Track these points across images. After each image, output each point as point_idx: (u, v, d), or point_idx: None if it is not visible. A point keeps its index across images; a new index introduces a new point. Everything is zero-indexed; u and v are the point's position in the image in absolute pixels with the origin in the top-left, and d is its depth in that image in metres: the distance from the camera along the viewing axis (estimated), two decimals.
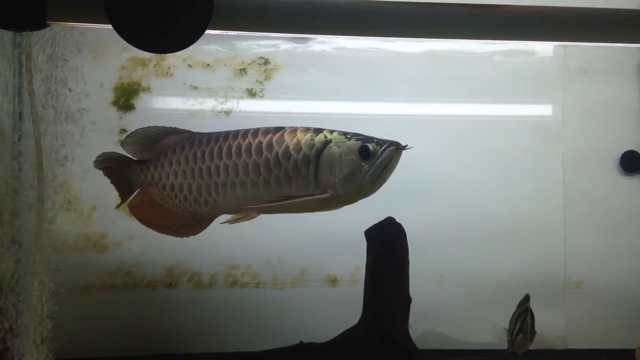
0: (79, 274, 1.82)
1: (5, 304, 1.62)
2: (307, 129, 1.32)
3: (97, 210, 1.84)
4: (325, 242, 1.91)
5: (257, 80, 1.92)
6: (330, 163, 1.28)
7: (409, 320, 1.53)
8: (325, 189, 1.29)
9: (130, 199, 1.45)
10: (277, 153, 1.29)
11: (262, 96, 1.92)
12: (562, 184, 1.98)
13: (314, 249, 1.91)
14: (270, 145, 1.30)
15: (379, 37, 1.16)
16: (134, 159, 1.44)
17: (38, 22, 1.10)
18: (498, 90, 1.99)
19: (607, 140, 2.00)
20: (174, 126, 1.43)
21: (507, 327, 1.69)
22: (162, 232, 1.43)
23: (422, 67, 1.95)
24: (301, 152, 1.29)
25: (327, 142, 1.30)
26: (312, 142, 1.30)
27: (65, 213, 1.79)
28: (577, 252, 1.96)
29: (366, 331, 1.47)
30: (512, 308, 1.89)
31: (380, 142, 1.28)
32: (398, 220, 1.51)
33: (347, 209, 1.83)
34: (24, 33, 1.51)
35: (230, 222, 1.36)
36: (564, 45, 1.95)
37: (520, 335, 1.63)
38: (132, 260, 1.85)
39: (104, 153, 1.45)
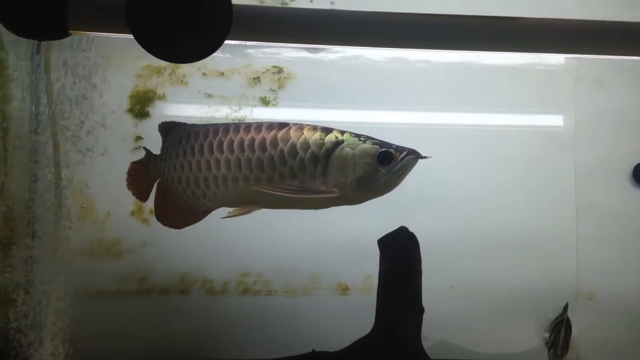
0: (93, 280, 1.83)
1: (20, 309, 1.64)
2: (314, 127, 1.32)
3: (111, 217, 1.85)
4: (337, 250, 1.91)
5: (271, 89, 1.93)
6: (342, 164, 1.28)
7: (421, 330, 1.53)
8: (334, 188, 1.29)
9: (147, 194, 1.48)
10: (282, 150, 1.29)
11: (275, 104, 1.93)
12: (574, 195, 1.98)
13: (326, 257, 1.91)
14: (274, 142, 1.29)
15: (397, 49, 1.16)
16: (153, 152, 1.46)
17: (60, 31, 1.11)
18: (510, 100, 1.99)
19: (619, 151, 1.99)
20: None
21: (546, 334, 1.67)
22: (164, 225, 1.44)
23: (435, 77, 1.96)
24: (309, 151, 1.28)
25: (338, 143, 1.29)
26: (322, 141, 1.29)
27: (80, 219, 1.80)
28: (589, 264, 1.96)
29: (379, 340, 1.47)
30: (523, 319, 1.90)
31: (399, 149, 1.29)
32: (410, 229, 1.51)
33: (359, 218, 1.85)
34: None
35: (231, 216, 1.37)
36: (577, 56, 1.96)
37: (552, 351, 1.59)
38: (145, 266, 1.86)
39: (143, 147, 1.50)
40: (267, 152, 1.29)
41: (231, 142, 1.32)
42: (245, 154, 1.30)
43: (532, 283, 1.93)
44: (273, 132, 1.31)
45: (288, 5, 1.82)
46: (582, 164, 1.99)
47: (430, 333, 1.82)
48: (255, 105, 1.92)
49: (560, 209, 1.98)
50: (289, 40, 1.24)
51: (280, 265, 1.91)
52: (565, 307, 1.67)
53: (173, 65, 1.88)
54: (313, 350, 1.56)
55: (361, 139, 1.30)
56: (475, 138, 1.97)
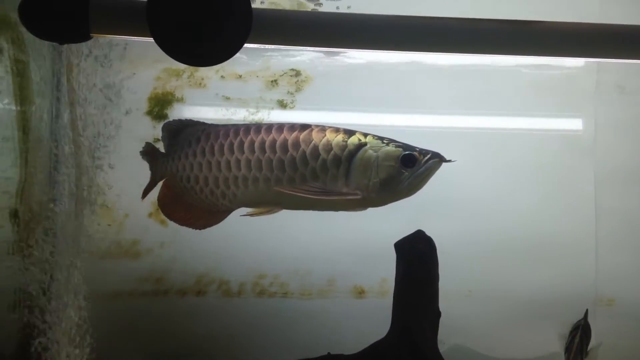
0: (111, 280, 1.85)
1: (39, 309, 1.66)
2: (336, 129, 1.33)
3: (129, 218, 1.86)
4: (353, 253, 1.91)
5: (288, 92, 1.94)
6: (364, 166, 1.28)
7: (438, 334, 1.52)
8: (356, 190, 1.28)
9: (149, 191, 1.48)
10: (304, 152, 1.29)
11: (292, 107, 1.94)
12: (593, 199, 1.96)
13: (342, 260, 1.91)
14: (296, 143, 1.30)
15: (417, 52, 1.16)
16: (161, 151, 1.46)
17: (81, 34, 1.13)
18: (529, 104, 1.98)
19: None
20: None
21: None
22: (182, 225, 1.44)
23: (453, 80, 1.95)
24: (331, 153, 1.29)
25: (361, 145, 1.30)
26: (345, 143, 1.30)
27: (99, 220, 1.82)
28: (609, 269, 1.93)
29: (395, 344, 1.46)
30: (541, 324, 1.88)
31: (423, 152, 1.29)
32: (428, 233, 1.51)
33: (375, 221, 1.84)
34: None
35: (252, 215, 1.37)
36: (597, 60, 1.94)
37: (566, 355, 1.59)
38: (162, 267, 1.88)
39: (147, 143, 1.49)
40: (289, 153, 1.30)
41: (252, 143, 1.32)
42: (266, 154, 1.31)
43: (550, 288, 1.91)
44: (295, 133, 1.31)
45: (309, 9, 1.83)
46: (602, 168, 1.96)
47: (447, 337, 1.81)
48: (272, 108, 1.92)
49: (579, 213, 1.95)
50: (308, 44, 1.24)
51: (297, 268, 1.91)
52: (585, 313, 1.66)
53: (191, 68, 1.90)
54: (329, 353, 1.56)
55: (384, 141, 1.31)
56: (493, 141, 1.96)
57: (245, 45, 1.10)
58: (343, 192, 1.28)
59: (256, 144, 1.32)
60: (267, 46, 1.20)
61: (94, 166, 1.77)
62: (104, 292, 1.82)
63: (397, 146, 1.30)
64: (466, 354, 1.91)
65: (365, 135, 1.32)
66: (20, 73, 1.63)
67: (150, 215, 1.87)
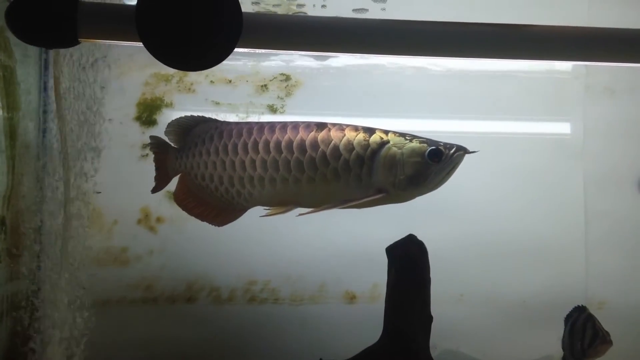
0: (100, 288, 1.82)
1: (27, 317, 1.64)
2: (355, 128, 1.32)
3: (118, 225, 1.85)
4: (344, 258, 1.90)
5: (278, 97, 1.93)
6: (389, 164, 1.28)
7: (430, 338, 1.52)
8: (382, 188, 1.28)
9: (162, 187, 1.46)
10: (323, 152, 1.28)
11: (282, 112, 1.93)
12: (583, 203, 1.97)
13: (333, 265, 1.91)
14: (314, 144, 1.28)
15: (406, 56, 1.16)
16: (173, 145, 1.43)
17: (69, 39, 1.11)
18: (518, 108, 1.99)
19: (629, 159, 1.98)
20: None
21: (562, 343, 1.68)
22: (202, 220, 1.41)
23: (442, 84, 1.95)
24: (353, 152, 1.28)
25: (383, 143, 1.29)
26: (366, 142, 1.29)
27: (87, 227, 1.80)
28: (599, 272, 1.94)
29: (387, 349, 1.46)
30: (533, 327, 1.88)
31: (447, 146, 1.30)
32: (419, 237, 1.50)
33: (366, 226, 1.84)
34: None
35: (269, 215, 1.35)
36: (586, 64, 1.95)
37: (598, 340, 1.61)
38: (152, 274, 1.86)
39: (152, 136, 1.47)
40: (307, 153, 1.28)
41: (267, 143, 1.30)
42: (283, 155, 1.29)
43: (540, 291, 1.92)
44: (312, 133, 1.30)
45: (298, 13, 1.82)
46: (591, 172, 1.97)
47: (439, 341, 1.81)
48: (262, 113, 1.92)
49: (568, 217, 1.97)
50: (298, 48, 1.24)
51: (288, 274, 1.90)
52: (580, 308, 1.70)
53: (181, 73, 1.89)
54: (320, 359, 1.55)
55: (406, 137, 1.31)
56: (483, 145, 1.93)
57: (235, 49, 1.09)
58: (369, 194, 1.28)
59: (271, 144, 1.30)
60: (257, 50, 1.20)
61: (82, 172, 1.74)
62: (92, 300, 1.80)
63: (421, 142, 1.30)
64: (458, 358, 1.90)
65: (386, 132, 1.31)
66: (6, 79, 1.62)
67: (139, 222, 1.86)
